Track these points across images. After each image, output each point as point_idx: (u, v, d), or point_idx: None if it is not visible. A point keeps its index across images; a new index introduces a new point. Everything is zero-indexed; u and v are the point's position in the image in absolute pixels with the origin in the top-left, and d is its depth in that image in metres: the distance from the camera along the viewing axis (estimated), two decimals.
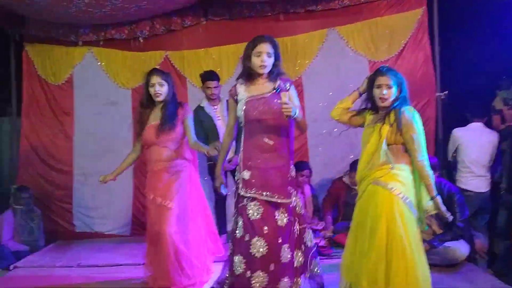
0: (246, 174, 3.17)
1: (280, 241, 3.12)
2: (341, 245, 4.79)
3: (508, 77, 5.59)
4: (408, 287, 2.97)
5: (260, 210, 3.14)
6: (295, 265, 3.25)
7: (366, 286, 3.02)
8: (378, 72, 3.22)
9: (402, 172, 3.11)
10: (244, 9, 5.85)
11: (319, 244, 4.85)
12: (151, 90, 3.79)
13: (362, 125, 3.35)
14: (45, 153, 6.14)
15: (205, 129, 4.92)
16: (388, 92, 3.12)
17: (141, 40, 5.99)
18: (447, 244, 4.14)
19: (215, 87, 5.00)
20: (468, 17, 5.57)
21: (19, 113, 6.24)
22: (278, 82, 3.19)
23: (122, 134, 5.97)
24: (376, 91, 3.17)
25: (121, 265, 4.66)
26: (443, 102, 5.52)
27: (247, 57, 3.19)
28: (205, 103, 5.10)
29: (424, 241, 3.76)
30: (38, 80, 6.18)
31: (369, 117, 3.28)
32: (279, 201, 3.15)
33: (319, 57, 5.84)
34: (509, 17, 5.41)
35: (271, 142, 3.16)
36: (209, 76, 5.06)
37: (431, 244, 4.09)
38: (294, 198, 3.27)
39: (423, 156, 3.08)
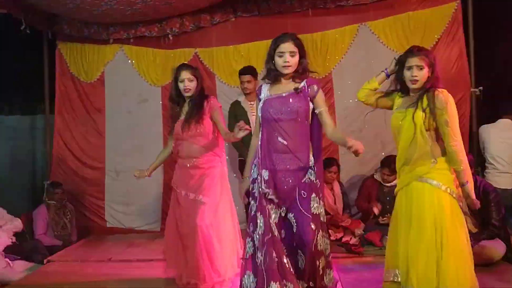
0: (265, 174, 3.03)
1: (294, 246, 3.00)
2: (372, 243, 4.77)
3: None
4: (459, 284, 2.89)
5: (277, 214, 3.02)
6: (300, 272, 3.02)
7: (416, 282, 2.91)
8: (408, 52, 3.06)
9: (444, 165, 3.00)
10: (273, 5, 5.83)
11: (350, 242, 4.81)
12: (181, 85, 3.79)
13: (390, 108, 3.22)
14: (77, 150, 6.25)
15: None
16: (419, 74, 2.98)
17: (171, 38, 6.02)
18: (482, 243, 4.04)
19: (247, 81, 4.99)
20: (503, 11, 5.44)
21: (52, 110, 6.37)
22: (303, 83, 3.04)
23: (152, 131, 6.05)
24: (407, 73, 3.02)
25: (151, 260, 4.69)
26: (478, 98, 5.38)
27: (270, 57, 3.06)
28: (242, 98, 5.11)
29: None
30: (71, 78, 6.29)
31: (398, 100, 3.15)
32: (285, 206, 3.03)
33: (349, 53, 5.79)
34: None
35: (285, 142, 3.00)
36: (242, 71, 5.09)
37: None
38: (313, 204, 3.01)
39: (456, 140, 2.94)
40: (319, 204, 3.04)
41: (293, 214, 3.01)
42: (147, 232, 5.99)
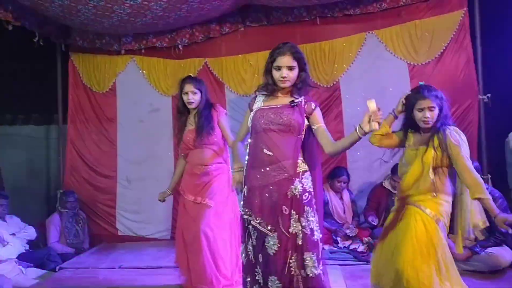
0: (246, 191, 2.93)
1: (269, 270, 2.79)
2: None
3: None
4: None
5: (256, 235, 2.85)
6: None
7: None
8: (418, 95, 3.08)
9: (444, 202, 3.05)
10: (281, 14, 5.89)
11: (358, 250, 4.83)
12: (185, 98, 3.92)
13: (397, 145, 3.29)
14: (90, 159, 6.35)
15: None
16: (431, 115, 3.02)
17: (181, 48, 6.11)
18: (489, 250, 4.04)
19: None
20: (510, 18, 5.42)
21: (65, 120, 6.48)
22: (300, 99, 2.90)
23: (164, 140, 6.14)
24: (418, 114, 3.07)
25: (161, 267, 4.77)
26: (486, 105, 5.37)
27: (267, 71, 2.92)
28: None
29: (466, 247, 3.71)
30: (83, 89, 6.41)
31: (411, 136, 3.21)
32: (266, 230, 2.81)
33: (357, 61, 5.80)
34: None
35: (270, 154, 2.82)
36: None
37: (473, 251, 4.01)
38: (294, 225, 2.80)
39: (472, 173, 2.91)
40: (301, 223, 2.81)
41: (273, 233, 2.79)
42: (157, 240, 6.05)
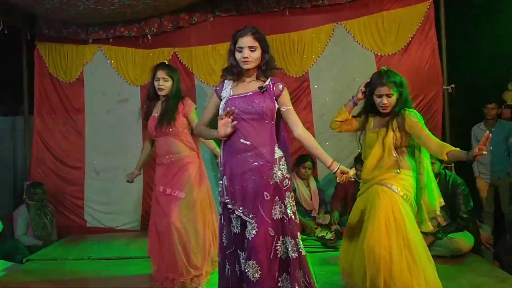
0: (225, 181, 2.92)
1: (247, 256, 2.81)
2: None
3: None
4: (430, 284, 3.03)
5: (239, 223, 2.88)
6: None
7: (393, 284, 3.01)
8: (377, 81, 3.17)
9: (407, 177, 3.16)
10: (250, 5, 5.89)
11: (326, 237, 4.91)
12: (156, 84, 3.89)
13: (359, 129, 3.40)
14: (57, 150, 6.25)
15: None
16: (389, 101, 3.14)
17: (150, 37, 6.05)
18: (451, 235, 4.16)
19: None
20: (475, 10, 5.57)
21: (31, 111, 6.36)
22: (267, 82, 2.92)
23: (132, 130, 6.06)
24: (377, 100, 3.18)
25: (131, 258, 4.76)
26: (450, 95, 5.50)
27: (230, 53, 2.94)
28: None
29: (428, 233, 3.81)
30: (50, 78, 6.29)
31: (371, 120, 3.31)
32: (248, 218, 2.82)
33: (326, 52, 5.85)
34: None
35: (247, 143, 2.84)
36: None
37: (436, 236, 4.11)
38: (277, 208, 2.85)
39: (436, 139, 3.01)
40: (283, 208, 2.87)
41: (254, 219, 2.80)
42: (127, 231, 6.02)
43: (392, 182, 3.13)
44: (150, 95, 4.00)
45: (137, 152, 5.96)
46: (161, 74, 3.87)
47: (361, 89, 3.31)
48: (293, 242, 2.84)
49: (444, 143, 2.98)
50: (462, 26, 5.64)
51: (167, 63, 4.08)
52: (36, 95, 6.29)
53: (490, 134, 2.76)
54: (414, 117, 3.10)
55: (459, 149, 2.83)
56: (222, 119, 2.84)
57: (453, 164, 5.28)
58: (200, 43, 6.07)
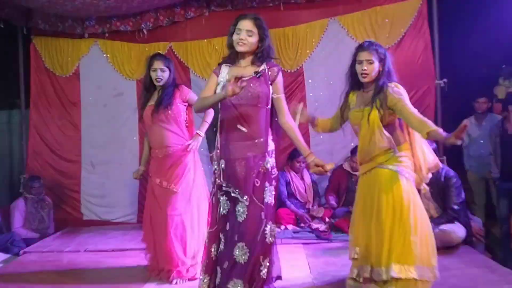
0: (222, 164, 3.01)
1: (236, 238, 2.93)
2: (341, 230, 4.95)
3: (508, 65, 5.67)
4: (429, 259, 3.10)
5: (227, 206, 3.00)
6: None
7: (396, 259, 3.03)
8: (359, 47, 3.18)
9: (405, 158, 3.15)
10: None
11: (320, 229, 4.98)
12: (153, 74, 3.90)
13: (344, 116, 3.36)
14: (53, 143, 6.29)
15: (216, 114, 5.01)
16: (369, 68, 3.08)
17: (145, 32, 6.09)
18: (442, 227, 4.21)
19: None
20: (467, 5, 5.63)
21: (27, 105, 6.39)
22: (263, 67, 2.98)
23: (128, 124, 6.14)
24: (358, 67, 3.13)
25: (127, 249, 4.80)
26: (443, 90, 5.56)
27: (229, 35, 2.99)
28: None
29: None
30: (46, 72, 6.32)
31: (352, 97, 3.27)
32: (242, 200, 2.93)
33: (320, 46, 5.91)
34: (510, 5, 5.47)
35: (244, 130, 2.94)
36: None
37: None
38: (268, 195, 2.98)
39: (418, 115, 3.01)
40: (271, 194, 3.00)
41: (247, 201, 2.92)
42: (123, 224, 6.06)
43: (392, 163, 3.11)
44: (146, 86, 4.00)
45: (132, 146, 6.08)
46: (158, 64, 3.88)
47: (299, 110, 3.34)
48: (272, 227, 2.99)
49: (426, 120, 2.94)
50: (455, 21, 5.70)
51: (162, 53, 4.09)
52: (32, 89, 6.32)
53: (468, 122, 2.82)
54: (396, 93, 3.06)
55: (441, 130, 2.86)
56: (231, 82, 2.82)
57: (445, 158, 5.36)
58: (196, 38, 6.12)
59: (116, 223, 6.11)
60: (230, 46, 3.00)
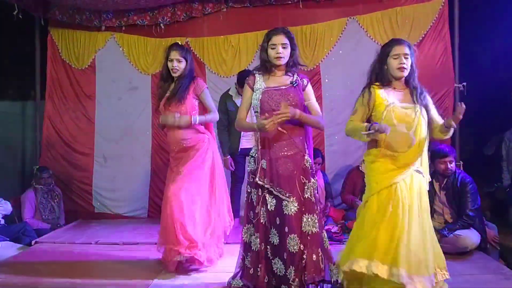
0: (264, 164, 3.23)
1: (286, 230, 3.15)
2: None
3: None
4: (442, 262, 3.09)
5: (274, 202, 3.20)
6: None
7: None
8: (394, 42, 3.09)
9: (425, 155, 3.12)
10: None
11: (332, 230, 4.93)
12: (170, 64, 3.90)
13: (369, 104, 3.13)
14: (67, 135, 6.30)
15: (230, 117, 5.01)
16: (406, 62, 3.02)
17: (162, 27, 6.09)
18: (457, 232, 4.17)
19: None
20: (489, 9, 5.55)
21: (42, 96, 6.41)
22: (295, 77, 3.27)
23: (141, 119, 6.14)
24: (394, 62, 3.02)
25: (138, 243, 4.79)
26: (462, 93, 5.49)
27: (263, 50, 3.27)
28: (233, 92, 5.17)
29: (434, 229, 3.80)
30: (62, 64, 6.33)
31: (380, 93, 3.07)
32: (285, 197, 3.17)
33: (338, 46, 5.87)
34: None
35: (284, 132, 3.20)
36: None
37: (441, 233, 4.12)
38: (308, 188, 3.22)
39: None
40: (312, 189, 3.23)
41: (291, 198, 3.16)
42: (134, 218, 6.07)
43: (422, 167, 3.08)
44: (164, 77, 4.00)
45: (145, 140, 6.09)
46: (174, 55, 3.87)
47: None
48: (314, 218, 3.20)
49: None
50: (476, 24, 5.62)
51: (180, 43, 4.06)
52: (48, 80, 6.34)
53: (464, 106, 2.92)
54: (427, 94, 3.11)
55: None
56: (266, 118, 3.09)
57: (461, 163, 5.29)
58: (212, 34, 6.10)
59: (127, 217, 6.10)
60: (265, 61, 3.27)
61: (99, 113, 6.27)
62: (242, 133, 4.98)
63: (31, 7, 5.73)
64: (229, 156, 5.12)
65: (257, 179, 3.22)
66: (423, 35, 5.61)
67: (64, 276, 3.85)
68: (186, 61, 3.90)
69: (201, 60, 6.09)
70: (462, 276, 3.69)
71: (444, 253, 3.41)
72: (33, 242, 4.84)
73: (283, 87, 3.23)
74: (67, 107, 6.33)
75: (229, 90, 5.24)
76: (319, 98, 5.82)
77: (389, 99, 3.06)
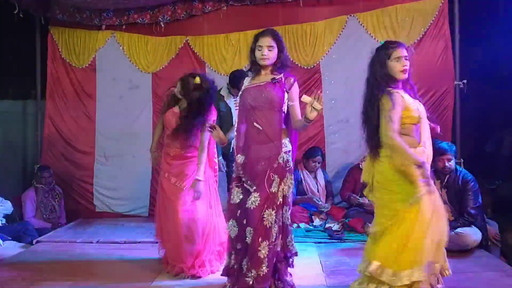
0: (240, 159, 3.29)
1: (244, 222, 3.26)
2: (354, 230, 4.90)
3: None
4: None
5: (240, 196, 3.30)
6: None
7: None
8: (392, 45, 3.04)
9: None
10: None
11: (333, 228, 4.94)
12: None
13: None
14: (68, 134, 6.29)
15: (222, 118, 4.92)
16: (408, 64, 2.99)
17: (163, 25, 6.07)
18: (459, 230, 4.17)
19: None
20: (489, 6, 5.54)
21: (43, 95, 6.40)
22: (280, 76, 3.28)
23: (142, 117, 6.14)
24: (397, 65, 2.97)
25: (139, 242, 4.80)
26: (462, 91, 5.48)
27: (251, 51, 3.32)
28: (225, 92, 5.13)
29: None
30: (62, 63, 6.31)
31: (405, 96, 3.02)
32: (251, 190, 3.24)
33: (338, 44, 5.85)
34: None
35: (260, 127, 3.22)
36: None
37: None
38: (275, 186, 3.21)
39: None
40: (278, 184, 3.23)
41: (258, 193, 3.20)
42: (135, 216, 6.06)
43: None
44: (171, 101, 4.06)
45: (145, 139, 6.04)
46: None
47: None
48: (285, 212, 3.31)
49: None
50: (476, 22, 5.61)
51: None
52: (48, 79, 6.32)
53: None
54: None
55: None
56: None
57: (462, 160, 5.29)
58: (213, 32, 6.08)
59: (128, 216, 6.10)
60: (253, 62, 3.33)
61: (100, 112, 6.26)
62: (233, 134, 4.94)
63: (32, 6, 5.73)
64: (221, 158, 5.05)
65: (236, 171, 3.32)
66: (423, 33, 5.60)
67: (65, 275, 3.87)
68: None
69: (202, 58, 6.08)
70: (464, 273, 3.71)
71: (445, 250, 3.43)
72: (34, 241, 4.86)
73: (262, 83, 3.27)
74: (68, 106, 6.31)
75: (220, 90, 5.08)
76: (298, 108, 5.81)
77: (413, 107, 3.02)
